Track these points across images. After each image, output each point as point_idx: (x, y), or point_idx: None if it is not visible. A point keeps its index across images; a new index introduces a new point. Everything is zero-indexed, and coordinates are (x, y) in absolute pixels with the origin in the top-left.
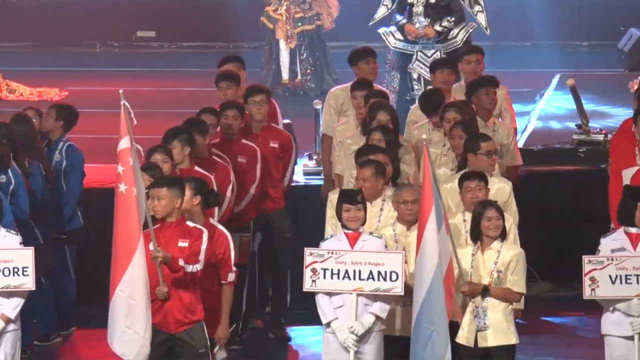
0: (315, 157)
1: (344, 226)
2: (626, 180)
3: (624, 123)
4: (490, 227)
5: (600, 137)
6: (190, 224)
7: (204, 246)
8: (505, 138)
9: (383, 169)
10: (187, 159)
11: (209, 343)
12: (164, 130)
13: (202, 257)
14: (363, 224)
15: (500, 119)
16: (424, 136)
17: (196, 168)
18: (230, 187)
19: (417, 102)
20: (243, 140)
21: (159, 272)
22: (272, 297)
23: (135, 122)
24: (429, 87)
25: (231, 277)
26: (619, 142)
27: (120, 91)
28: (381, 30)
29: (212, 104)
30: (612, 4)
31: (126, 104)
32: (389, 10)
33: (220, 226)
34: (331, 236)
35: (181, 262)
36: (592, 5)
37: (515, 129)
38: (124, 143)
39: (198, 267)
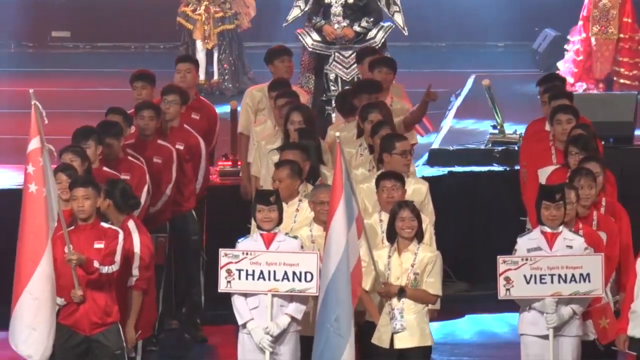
0: (231, 157)
1: (259, 227)
2: (542, 180)
3: (532, 125)
4: (403, 227)
5: (516, 137)
6: (105, 225)
7: (119, 247)
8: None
9: (299, 169)
10: (97, 159)
11: (124, 344)
12: None
13: (117, 258)
14: (278, 225)
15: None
16: (337, 133)
17: (105, 169)
18: (145, 187)
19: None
20: (159, 141)
21: (73, 275)
22: (187, 299)
23: (46, 122)
24: (346, 87)
25: (131, 281)
26: (532, 143)
27: (31, 91)
28: (298, 31)
29: (128, 104)
30: (526, 5)
31: (37, 103)
32: (302, 12)
33: (132, 227)
34: (247, 237)
35: (96, 264)
36: (507, 6)
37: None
38: (35, 143)
39: (114, 268)
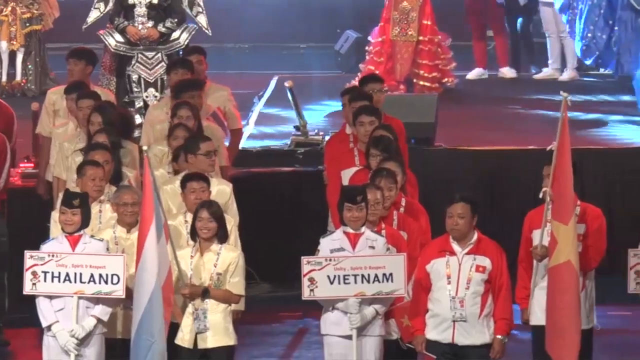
0: (33, 159)
1: (62, 229)
2: (345, 181)
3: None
4: (202, 228)
5: (318, 138)
6: None
7: None
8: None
9: (103, 170)
10: None
11: None
12: None
13: None
14: (83, 227)
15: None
16: (145, 147)
17: None
18: None
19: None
20: None
21: None
22: None
23: None
24: (150, 88)
25: None
26: (334, 144)
27: None
28: (100, 32)
29: None
30: (328, 6)
31: None
32: (102, 13)
33: None
34: (52, 239)
35: None
36: (309, 8)
37: (241, 130)
38: None
39: None
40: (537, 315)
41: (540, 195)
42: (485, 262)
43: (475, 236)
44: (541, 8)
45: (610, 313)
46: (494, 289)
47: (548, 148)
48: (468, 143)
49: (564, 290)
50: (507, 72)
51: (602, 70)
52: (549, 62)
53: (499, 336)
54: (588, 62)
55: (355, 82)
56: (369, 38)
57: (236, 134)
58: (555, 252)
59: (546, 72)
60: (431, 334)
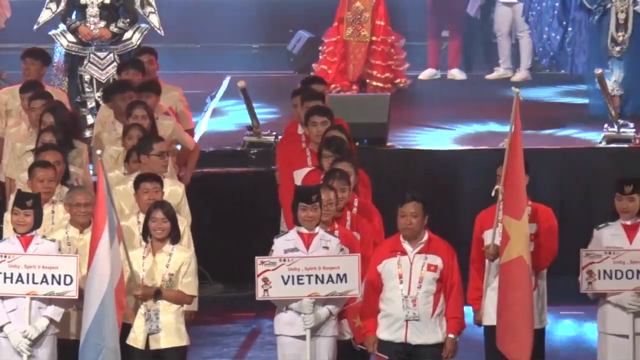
0: None
1: (14, 229)
2: (297, 181)
3: (290, 126)
4: (155, 228)
5: (271, 139)
6: None
7: None
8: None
9: (54, 171)
10: None
11: None
12: None
13: None
14: (35, 228)
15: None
16: (98, 152)
17: None
18: None
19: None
20: None
21: None
22: None
23: None
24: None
25: None
26: (286, 145)
27: None
28: (52, 32)
29: None
30: (280, 6)
31: None
32: (54, 13)
33: None
34: (5, 239)
35: None
36: (261, 8)
37: (192, 130)
38: None
39: None
40: (490, 316)
41: (493, 194)
42: (437, 261)
43: (426, 236)
44: (497, 8)
45: (562, 313)
46: (445, 288)
47: (500, 145)
48: (420, 143)
49: (516, 287)
50: (457, 74)
51: (556, 71)
52: (500, 62)
53: (451, 335)
54: (543, 63)
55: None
56: (323, 38)
57: (188, 135)
58: (507, 248)
59: (498, 72)
60: (384, 333)
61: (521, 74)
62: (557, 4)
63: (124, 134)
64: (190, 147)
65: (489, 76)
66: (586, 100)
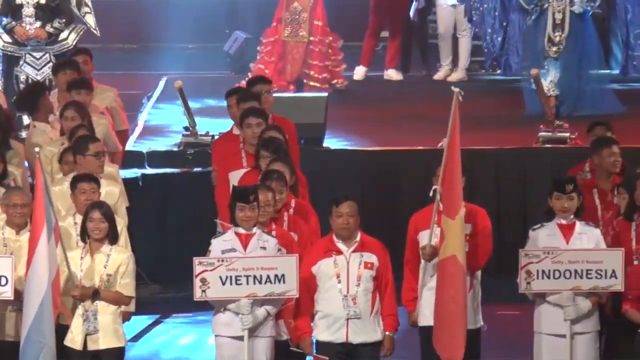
0: None
1: None
2: (234, 182)
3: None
4: (93, 228)
5: (208, 139)
6: None
7: None
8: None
9: None
10: None
11: None
12: None
13: None
14: None
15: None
16: (36, 149)
17: None
18: None
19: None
20: None
21: None
22: None
23: None
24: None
25: None
26: (222, 145)
27: None
28: None
29: None
30: (217, 6)
31: None
32: None
33: None
34: None
35: None
36: (197, 7)
37: (127, 131)
38: None
39: None
40: (426, 316)
41: (431, 194)
42: (372, 258)
43: (359, 235)
44: (438, 10)
45: (498, 313)
46: (380, 286)
47: (439, 145)
48: (357, 144)
49: (450, 284)
50: (394, 74)
51: (492, 72)
52: (442, 62)
53: (388, 332)
54: (486, 65)
55: (244, 82)
56: (261, 38)
57: (122, 135)
58: (443, 246)
59: (440, 73)
60: (323, 335)
61: (457, 74)
62: (497, 5)
63: (61, 115)
64: (117, 149)
65: (436, 76)
66: (522, 101)
